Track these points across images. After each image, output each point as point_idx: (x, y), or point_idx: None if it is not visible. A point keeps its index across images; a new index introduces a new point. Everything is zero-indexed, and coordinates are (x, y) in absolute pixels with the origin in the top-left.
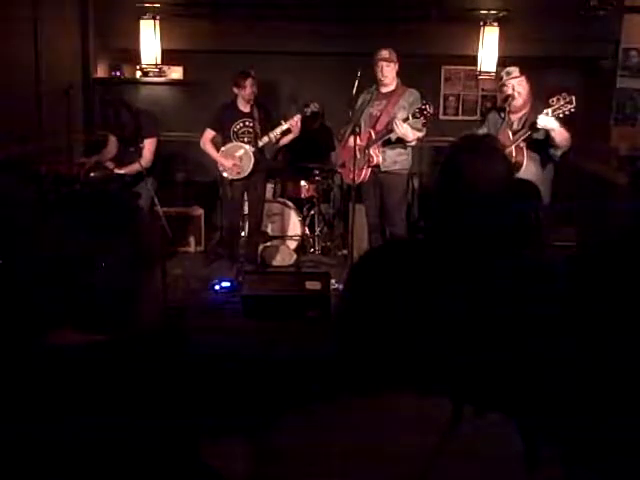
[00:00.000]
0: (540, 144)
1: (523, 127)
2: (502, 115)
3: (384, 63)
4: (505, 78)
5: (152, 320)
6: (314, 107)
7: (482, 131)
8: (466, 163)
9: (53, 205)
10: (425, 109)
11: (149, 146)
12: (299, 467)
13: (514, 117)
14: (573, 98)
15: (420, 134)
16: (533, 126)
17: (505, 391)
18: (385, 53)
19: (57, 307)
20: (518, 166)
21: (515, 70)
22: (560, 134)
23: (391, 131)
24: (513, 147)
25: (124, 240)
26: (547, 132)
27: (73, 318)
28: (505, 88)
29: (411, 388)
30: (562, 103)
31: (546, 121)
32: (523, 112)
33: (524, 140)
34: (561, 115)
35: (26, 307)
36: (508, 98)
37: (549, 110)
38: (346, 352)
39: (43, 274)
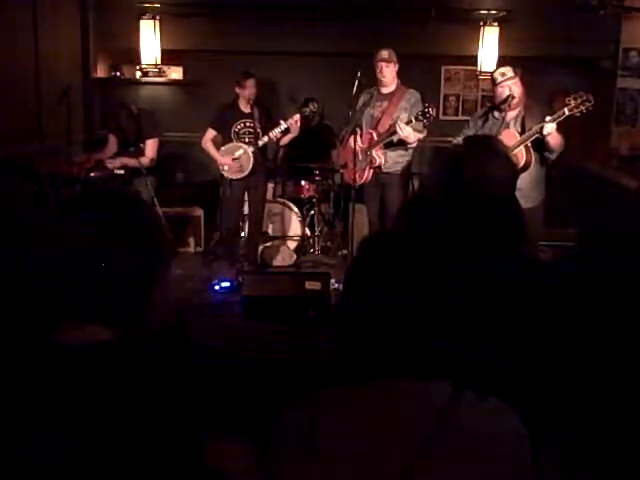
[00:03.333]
0: (537, 145)
1: (522, 127)
2: (496, 115)
3: (384, 64)
4: (500, 79)
5: (163, 317)
6: (312, 107)
7: (471, 132)
8: (471, 164)
9: (67, 204)
10: (428, 111)
11: (151, 146)
12: (301, 461)
13: (509, 117)
14: (591, 96)
15: (421, 135)
16: (541, 132)
17: (505, 381)
18: (385, 54)
19: (71, 303)
20: (527, 165)
21: (509, 71)
22: (555, 138)
23: (394, 133)
24: (522, 147)
25: (140, 238)
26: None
27: (87, 314)
28: (501, 90)
29: (412, 374)
30: (579, 102)
31: (550, 128)
32: (517, 111)
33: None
34: (578, 114)
35: (35, 305)
36: (508, 99)
37: (565, 109)
38: (348, 340)
39: (58, 272)
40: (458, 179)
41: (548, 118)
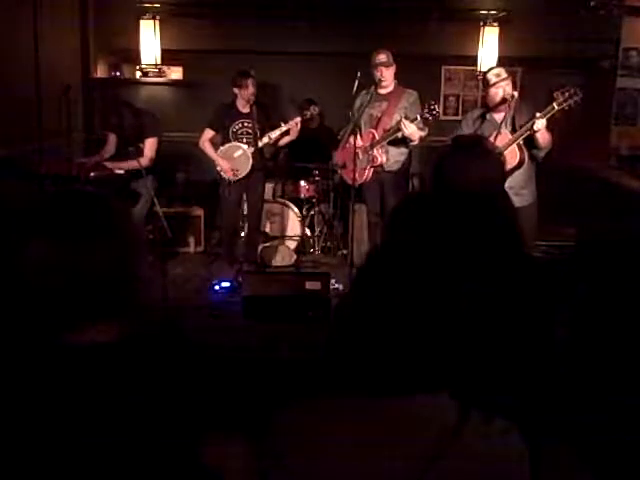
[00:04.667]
0: (527, 142)
1: (513, 126)
2: (489, 117)
3: (383, 67)
4: (495, 80)
5: (162, 316)
6: (313, 110)
7: (468, 132)
8: (453, 164)
9: (32, 203)
10: (434, 108)
11: (150, 146)
12: (299, 465)
13: (497, 117)
14: (579, 89)
15: (423, 133)
16: (532, 129)
17: (508, 390)
18: (383, 57)
19: (48, 304)
20: (521, 163)
21: (503, 71)
22: (543, 135)
23: (397, 131)
24: (515, 145)
25: (109, 235)
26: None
27: (67, 313)
28: (495, 91)
29: (417, 389)
30: (566, 96)
31: (541, 123)
32: (506, 112)
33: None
34: (567, 108)
35: (29, 307)
36: (508, 99)
37: (554, 103)
38: (348, 352)
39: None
40: (441, 179)
41: (538, 114)
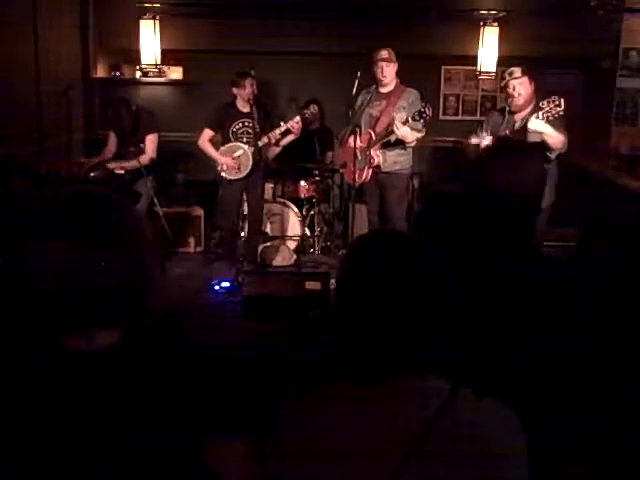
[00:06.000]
0: (541, 147)
1: (524, 127)
2: (504, 115)
3: (384, 64)
4: (507, 78)
5: (154, 320)
6: (313, 109)
7: (483, 131)
8: (506, 166)
9: (44, 206)
10: (424, 112)
11: (150, 142)
12: (300, 456)
13: (516, 117)
14: (562, 101)
15: (420, 134)
16: (524, 128)
17: (507, 384)
18: (385, 53)
19: (59, 309)
20: None
21: (517, 71)
22: (551, 137)
23: (391, 133)
24: None
25: (117, 240)
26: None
27: (80, 318)
28: (507, 88)
29: (411, 371)
30: (552, 106)
31: (536, 124)
32: (525, 112)
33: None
34: (551, 118)
35: (30, 311)
36: (508, 99)
37: (539, 113)
38: (345, 337)
39: (42, 277)
40: (490, 179)
41: (535, 114)
